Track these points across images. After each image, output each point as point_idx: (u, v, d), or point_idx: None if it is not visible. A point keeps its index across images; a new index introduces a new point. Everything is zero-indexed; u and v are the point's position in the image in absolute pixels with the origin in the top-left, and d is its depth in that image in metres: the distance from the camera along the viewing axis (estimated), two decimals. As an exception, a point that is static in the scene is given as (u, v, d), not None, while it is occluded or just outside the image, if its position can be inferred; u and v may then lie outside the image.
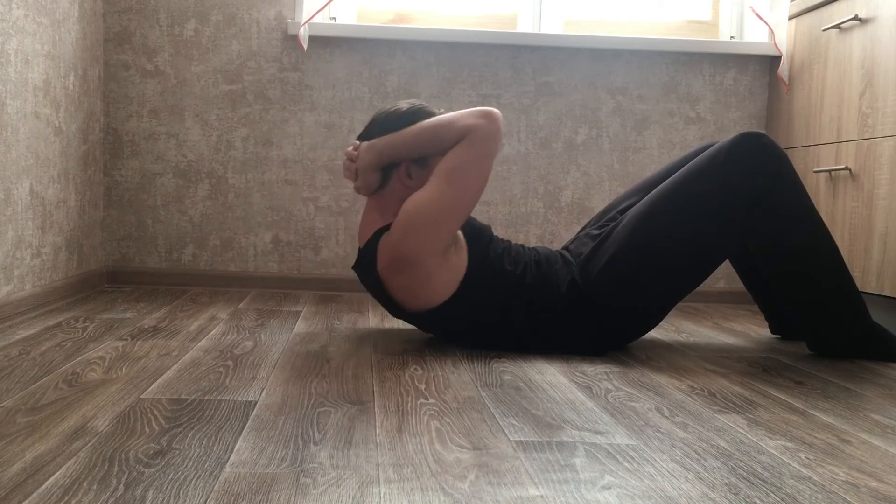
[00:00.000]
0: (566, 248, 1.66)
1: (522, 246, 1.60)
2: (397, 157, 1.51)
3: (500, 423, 1.05)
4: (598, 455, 0.93)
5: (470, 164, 1.44)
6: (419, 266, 1.45)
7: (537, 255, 1.57)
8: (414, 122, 1.51)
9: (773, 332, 1.79)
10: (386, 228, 1.50)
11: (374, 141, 1.52)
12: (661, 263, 1.49)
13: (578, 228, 2.38)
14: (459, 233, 1.53)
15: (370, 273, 1.52)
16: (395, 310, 1.55)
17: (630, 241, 1.50)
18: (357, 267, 1.56)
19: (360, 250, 1.55)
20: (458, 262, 1.49)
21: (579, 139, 2.39)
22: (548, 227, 2.40)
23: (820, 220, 1.52)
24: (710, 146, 1.64)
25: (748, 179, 1.47)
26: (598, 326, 1.51)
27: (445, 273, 1.47)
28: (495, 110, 1.47)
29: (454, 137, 1.46)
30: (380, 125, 1.53)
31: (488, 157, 1.46)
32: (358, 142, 1.56)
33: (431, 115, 1.54)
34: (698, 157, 1.53)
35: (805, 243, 1.50)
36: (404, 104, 1.55)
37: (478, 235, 1.54)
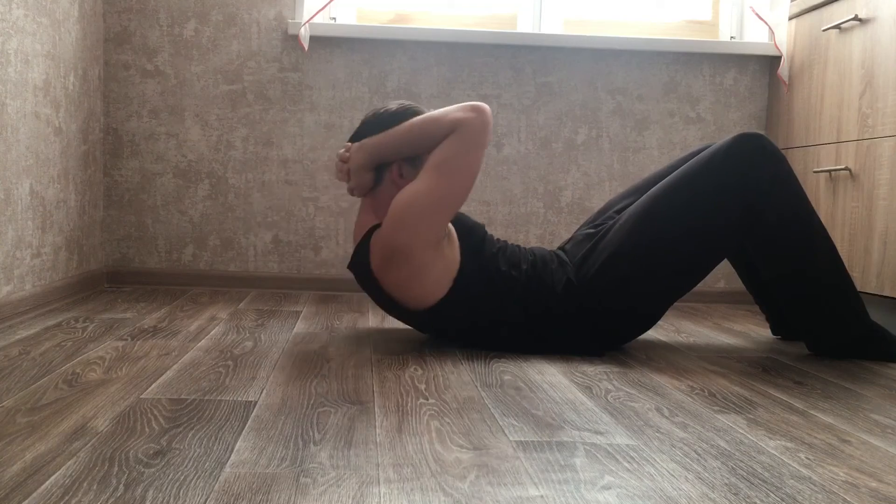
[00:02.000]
0: (562, 248, 1.66)
1: (518, 246, 1.60)
2: (388, 157, 1.52)
3: (500, 423, 1.05)
4: (598, 455, 0.93)
5: (460, 157, 1.45)
6: (411, 259, 1.44)
7: (533, 255, 1.57)
8: (404, 121, 1.51)
9: (774, 332, 1.79)
10: (378, 226, 1.51)
11: (365, 141, 1.53)
12: (658, 264, 1.49)
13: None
14: (452, 229, 1.53)
15: (365, 270, 1.52)
16: (392, 308, 1.55)
17: (627, 241, 1.50)
18: (352, 265, 1.56)
19: (355, 248, 1.55)
20: (451, 257, 1.49)
21: (579, 139, 2.39)
22: (548, 228, 2.40)
23: (818, 220, 1.52)
24: (708, 147, 1.64)
25: (745, 180, 1.47)
26: (594, 327, 1.51)
27: (439, 268, 1.47)
28: (483, 105, 1.48)
29: (444, 132, 1.47)
30: (370, 125, 1.55)
31: (478, 150, 1.46)
32: (350, 143, 1.57)
33: (420, 112, 1.55)
34: (696, 158, 1.53)
35: (803, 244, 1.50)
36: (394, 104, 1.56)
37: (469, 233, 1.54)
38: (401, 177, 1.54)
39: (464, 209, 2.36)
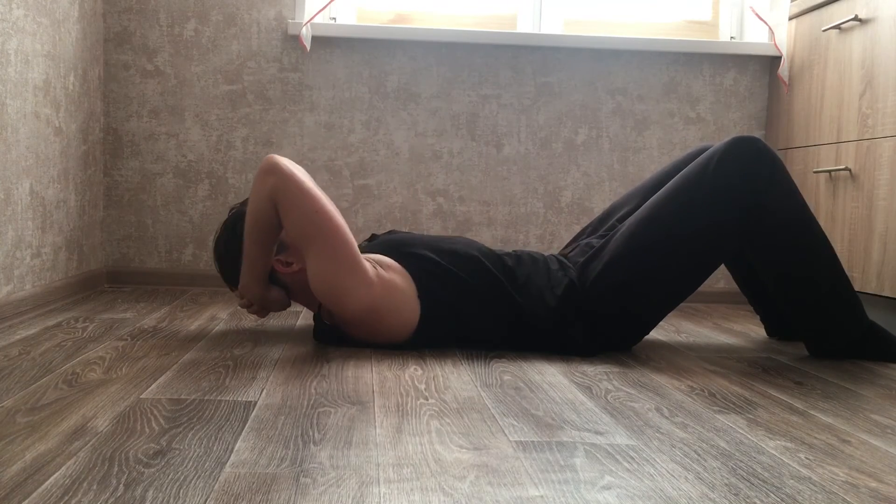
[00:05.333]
0: (565, 254, 1.66)
1: (482, 248, 1.59)
2: (265, 267, 1.51)
3: (500, 423, 1.05)
4: (598, 455, 0.93)
5: (300, 214, 1.41)
6: (372, 310, 1.43)
7: (520, 251, 1.59)
8: (240, 233, 1.52)
9: (769, 334, 1.79)
10: (319, 307, 1.54)
11: (241, 279, 1.53)
12: (658, 269, 1.50)
13: (579, 229, 2.38)
14: (374, 256, 1.52)
15: (338, 334, 1.52)
16: (379, 345, 1.53)
17: (627, 247, 1.50)
18: (320, 336, 1.56)
19: (315, 324, 1.57)
20: (397, 276, 1.47)
21: (579, 139, 2.39)
22: (548, 228, 2.40)
23: (815, 221, 1.52)
24: (708, 148, 1.64)
25: (742, 184, 1.47)
26: (594, 330, 1.51)
27: (398, 291, 1.46)
28: (271, 159, 1.42)
29: (271, 212, 1.43)
30: (228, 264, 1.58)
31: (303, 194, 1.41)
32: (235, 289, 1.59)
33: (242, 214, 1.55)
34: (693, 163, 1.54)
35: (800, 246, 1.50)
36: (218, 230, 1.61)
37: (390, 249, 1.54)
38: (286, 266, 1.54)
39: (463, 210, 2.37)
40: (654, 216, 1.51)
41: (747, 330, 1.90)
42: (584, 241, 1.66)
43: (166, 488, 0.78)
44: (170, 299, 2.07)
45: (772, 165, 1.49)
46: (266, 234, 1.46)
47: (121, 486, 0.79)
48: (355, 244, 1.44)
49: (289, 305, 1.60)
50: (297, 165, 1.46)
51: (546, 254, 1.63)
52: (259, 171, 1.44)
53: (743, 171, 1.47)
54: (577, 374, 1.35)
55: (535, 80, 2.36)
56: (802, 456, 0.95)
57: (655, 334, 1.78)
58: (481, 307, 1.50)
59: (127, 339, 1.52)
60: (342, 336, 1.52)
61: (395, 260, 1.51)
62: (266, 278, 1.53)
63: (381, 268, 1.48)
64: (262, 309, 1.57)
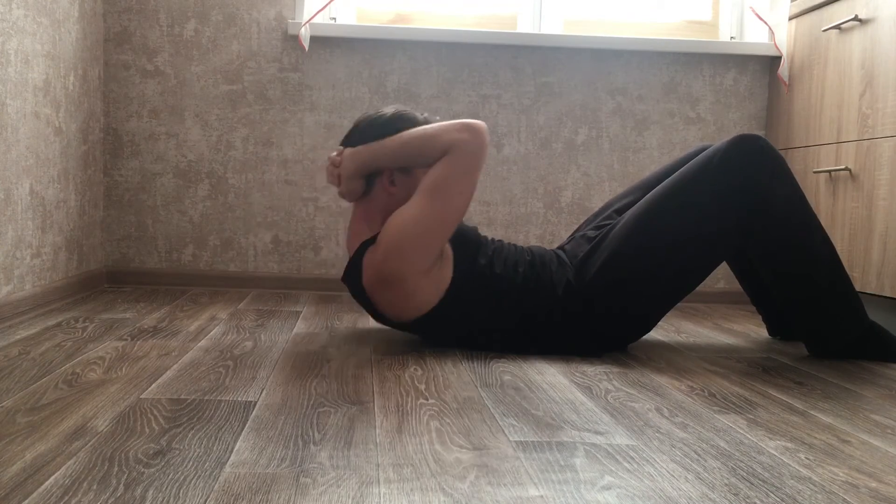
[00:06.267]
0: (562, 248, 1.66)
1: (515, 246, 1.59)
2: (381, 166, 1.51)
3: (500, 423, 1.05)
4: (598, 455, 0.93)
5: (454, 181, 1.43)
6: (404, 284, 1.44)
7: (531, 255, 1.56)
8: (398, 130, 1.50)
9: (771, 333, 1.79)
10: (372, 241, 1.50)
11: (359, 148, 1.52)
12: (658, 267, 1.49)
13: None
14: (446, 245, 1.52)
15: (356, 285, 1.51)
16: (381, 318, 1.55)
17: (626, 244, 1.50)
18: (345, 279, 1.55)
19: (348, 262, 1.54)
20: (444, 273, 1.48)
21: (579, 139, 2.39)
22: (548, 228, 2.40)
23: (817, 221, 1.52)
24: (709, 147, 1.64)
25: (744, 182, 1.47)
26: (593, 329, 1.51)
27: (430, 286, 1.46)
28: (480, 123, 1.46)
29: (439, 151, 1.45)
30: (365, 130, 1.53)
31: (473, 173, 1.45)
32: (342, 147, 1.56)
33: (415, 122, 1.53)
34: (695, 160, 1.53)
35: (802, 245, 1.50)
36: (388, 110, 1.55)
37: (464, 242, 1.53)
38: (392, 185, 1.53)
39: (464, 209, 2.37)
40: (653, 212, 1.50)
41: (747, 330, 1.90)
42: (581, 233, 1.66)
43: (166, 488, 0.78)
44: (170, 299, 2.07)
45: (774, 164, 1.48)
46: (411, 158, 1.48)
47: (121, 486, 0.79)
48: (447, 240, 1.45)
49: (354, 200, 1.57)
50: (487, 149, 1.45)
51: (548, 249, 1.63)
52: (465, 122, 1.45)
53: (745, 170, 1.47)
54: (577, 374, 1.35)
55: (535, 80, 2.36)
56: (802, 456, 0.95)
57: (655, 334, 1.78)
58: (492, 312, 1.49)
59: (127, 339, 1.52)
60: (362, 294, 1.51)
61: (453, 251, 1.51)
62: (369, 170, 1.52)
63: (442, 259, 1.48)
64: (338, 178, 1.54)
